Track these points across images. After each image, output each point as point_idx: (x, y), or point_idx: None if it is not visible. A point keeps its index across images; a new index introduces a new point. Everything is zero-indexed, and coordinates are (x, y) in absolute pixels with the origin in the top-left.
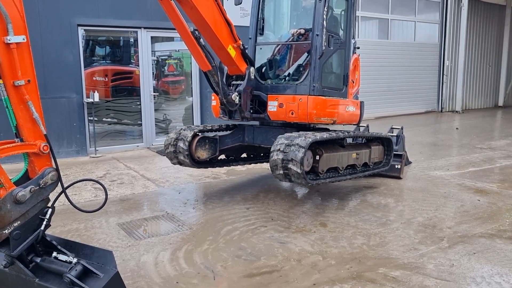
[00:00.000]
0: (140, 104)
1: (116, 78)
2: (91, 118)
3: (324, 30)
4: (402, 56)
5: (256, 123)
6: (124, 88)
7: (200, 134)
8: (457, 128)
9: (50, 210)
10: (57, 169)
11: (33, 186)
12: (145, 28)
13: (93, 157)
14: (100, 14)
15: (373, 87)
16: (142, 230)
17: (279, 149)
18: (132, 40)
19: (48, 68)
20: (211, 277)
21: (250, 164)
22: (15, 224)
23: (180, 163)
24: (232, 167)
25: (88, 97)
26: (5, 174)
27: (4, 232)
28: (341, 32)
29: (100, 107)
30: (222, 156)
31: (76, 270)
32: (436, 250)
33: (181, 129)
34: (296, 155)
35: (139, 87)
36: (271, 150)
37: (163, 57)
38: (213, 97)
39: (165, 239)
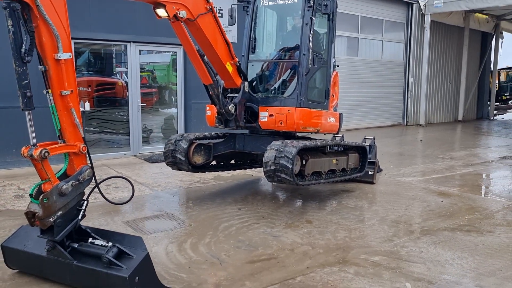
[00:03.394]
0: (127, 114)
1: (99, 89)
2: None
3: (310, 50)
4: (370, 72)
5: (246, 131)
6: (107, 99)
7: (196, 141)
8: (421, 140)
9: (85, 202)
10: (91, 167)
11: (73, 181)
12: (134, 42)
13: None
14: (92, 27)
15: (344, 101)
16: (147, 226)
17: (274, 153)
18: (115, 53)
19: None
20: (218, 263)
21: (241, 169)
22: (58, 214)
23: (179, 166)
24: (218, 173)
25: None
26: (51, 170)
27: (49, 220)
28: (322, 51)
29: (86, 117)
30: (213, 162)
31: (112, 251)
32: (407, 241)
33: (176, 139)
34: (288, 159)
35: (122, 97)
36: (265, 154)
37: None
38: (208, 108)
39: (170, 234)
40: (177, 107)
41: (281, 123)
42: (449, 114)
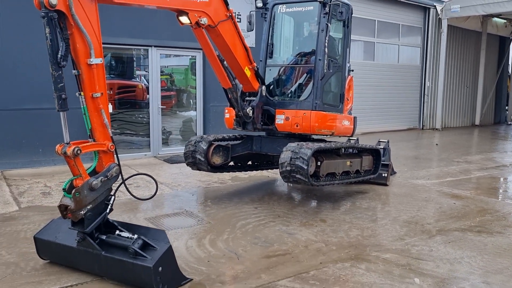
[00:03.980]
0: (147, 116)
1: (120, 92)
2: None
3: (326, 55)
4: (386, 76)
5: (263, 133)
6: (128, 101)
7: (215, 143)
8: (436, 144)
9: (112, 197)
10: (118, 165)
11: (102, 177)
12: (155, 46)
13: None
14: (115, 32)
15: (359, 104)
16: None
17: (290, 155)
18: (135, 57)
19: (67, 81)
20: (235, 258)
21: (258, 170)
22: (88, 207)
23: (198, 167)
24: (236, 174)
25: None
26: (83, 167)
27: (80, 213)
28: (338, 56)
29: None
30: (231, 163)
31: (138, 243)
32: (418, 240)
33: (196, 140)
34: (303, 161)
35: (142, 100)
36: (281, 155)
37: None
38: (226, 111)
39: (190, 230)
40: (195, 110)
41: (297, 126)
42: (466, 119)
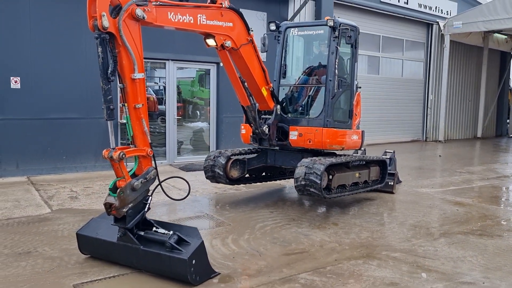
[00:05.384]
0: (157, 127)
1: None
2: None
3: (336, 76)
4: (391, 90)
5: (277, 147)
6: None
7: (232, 157)
8: (440, 155)
9: (150, 197)
10: (156, 168)
11: (142, 179)
12: (172, 60)
13: None
14: None
15: (365, 117)
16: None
17: (304, 170)
18: (148, 69)
19: (91, 93)
20: (258, 255)
21: (271, 181)
22: (130, 205)
23: (217, 180)
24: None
25: (121, 118)
26: (126, 169)
27: (123, 210)
28: (346, 75)
29: (125, 128)
30: (247, 175)
31: (174, 238)
32: (424, 241)
33: (215, 155)
34: (316, 176)
35: (153, 111)
36: (296, 170)
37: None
38: (242, 127)
39: (212, 231)
40: (202, 121)
41: (309, 142)
42: (468, 131)
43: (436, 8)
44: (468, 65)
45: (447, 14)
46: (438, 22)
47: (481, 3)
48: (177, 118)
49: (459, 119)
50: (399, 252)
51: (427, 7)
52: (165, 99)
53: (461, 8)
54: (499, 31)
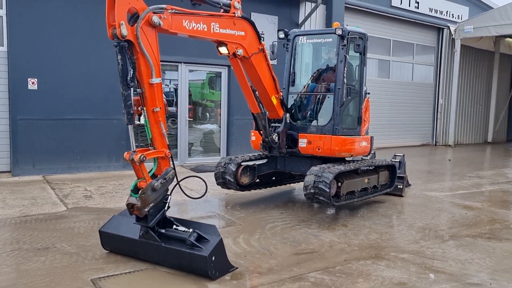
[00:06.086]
0: (171, 129)
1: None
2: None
3: (344, 85)
4: (401, 93)
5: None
6: None
7: (243, 164)
8: (449, 160)
9: (169, 196)
10: (174, 168)
11: (162, 180)
12: (184, 63)
13: None
14: None
15: (375, 120)
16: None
17: (313, 178)
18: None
19: (106, 94)
20: (268, 254)
21: (281, 185)
22: (151, 205)
23: (228, 186)
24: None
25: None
26: (146, 171)
27: (145, 210)
28: (355, 82)
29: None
30: (257, 180)
31: (194, 236)
32: (433, 244)
33: (225, 162)
34: (326, 184)
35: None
36: (305, 178)
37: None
38: (252, 134)
39: (224, 230)
40: (212, 123)
41: (318, 149)
42: (478, 136)
43: (447, 13)
44: (479, 70)
45: (458, 19)
46: (449, 27)
47: (492, 8)
48: (188, 120)
49: (469, 123)
50: (408, 253)
51: (438, 11)
52: (175, 101)
53: (473, 12)
54: (510, 36)
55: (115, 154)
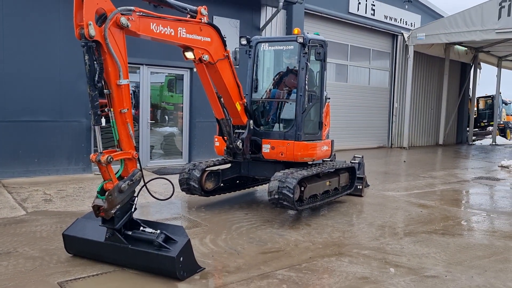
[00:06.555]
0: (136, 130)
1: (102, 110)
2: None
3: (306, 92)
4: (358, 97)
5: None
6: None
7: (207, 170)
8: (404, 161)
9: (136, 198)
10: (141, 170)
11: (129, 181)
12: (146, 64)
13: (96, 174)
14: None
15: (333, 123)
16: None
17: (277, 184)
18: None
19: (64, 96)
20: (236, 253)
21: (245, 189)
22: (117, 207)
23: (192, 192)
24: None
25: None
26: (113, 172)
27: (111, 212)
28: (316, 87)
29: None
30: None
31: (161, 237)
32: (391, 240)
33: (190, 168)
34: (289, 189)
35: None
36: (269, 184)
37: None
38: (216, 139)
39: (190, 231)
40: (171, 126)
41: (281, 154)
42: (430, 138)
43: (401, 20)
44: (431, 75)
45: (411, 26)
46: (402, 33)
47: (443, 16)
48: (150, 123)
49: (422, 126)
50: (369, 249)
51: (393, 18)
52: (134, 104)
53: (424, 20)
54: (459, 43)
55: (74, 157)
